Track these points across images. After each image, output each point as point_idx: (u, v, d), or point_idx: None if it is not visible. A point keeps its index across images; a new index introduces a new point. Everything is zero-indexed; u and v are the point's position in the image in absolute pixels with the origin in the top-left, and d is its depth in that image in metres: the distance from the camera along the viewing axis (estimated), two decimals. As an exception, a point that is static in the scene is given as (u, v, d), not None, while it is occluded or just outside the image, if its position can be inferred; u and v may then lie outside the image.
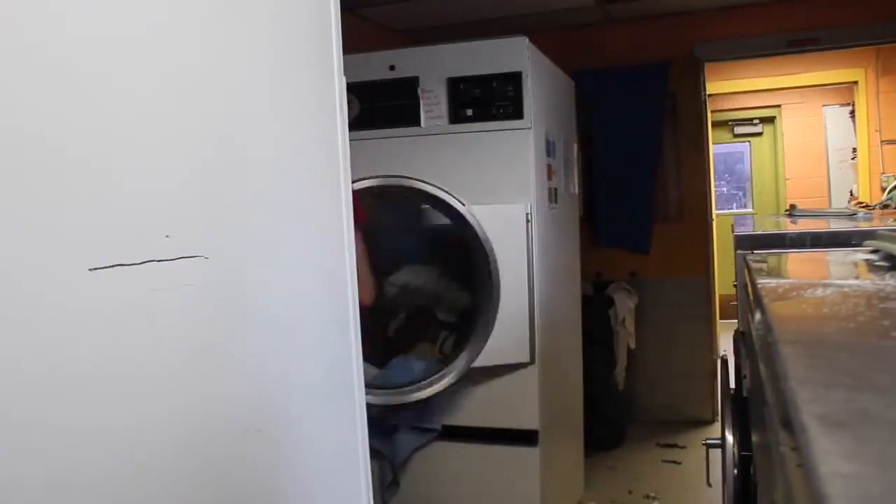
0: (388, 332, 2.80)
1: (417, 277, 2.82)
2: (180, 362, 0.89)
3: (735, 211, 6.63)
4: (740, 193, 7.02)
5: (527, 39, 2.33)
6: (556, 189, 2.65)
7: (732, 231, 1.88)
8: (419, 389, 2.42)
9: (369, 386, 2.44)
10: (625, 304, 3.65)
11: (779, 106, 6.32)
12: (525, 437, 2.41)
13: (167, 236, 0.86)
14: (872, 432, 0.35)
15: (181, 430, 0.89)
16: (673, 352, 3.95)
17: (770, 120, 6.51)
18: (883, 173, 5.09)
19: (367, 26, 3.47)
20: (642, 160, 3.91)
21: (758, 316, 0.77)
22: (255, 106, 1.06)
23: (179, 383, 0.89)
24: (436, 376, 2.42)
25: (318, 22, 1.24)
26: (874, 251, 1.14)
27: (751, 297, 0.98)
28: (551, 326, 2.56)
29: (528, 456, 2.42)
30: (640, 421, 3.92)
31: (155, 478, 0.84)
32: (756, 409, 0.89)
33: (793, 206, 2.76)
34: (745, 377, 1.49)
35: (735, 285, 1.84)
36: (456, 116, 2.37)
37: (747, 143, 6.75)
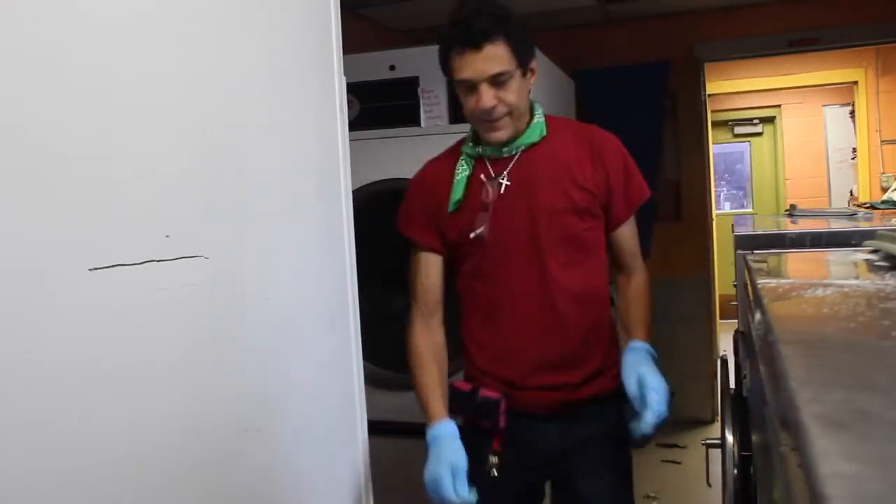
0: (390, 333, 2.80)
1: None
2: (180, 361, 0.89)
3: (735, 211, 6.63)
4: (740, 193, 7.02)
5: (527, 39, 2.33)
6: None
7: (732, 231, 1.88)
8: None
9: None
10: (625, 304, 3.65)
11: (779, 106, 6.32)
12: (525, 437, 2.40)
13: (167, 236, 0.86)
14: (872, 432, 0.35)
15: (180, 429, 0.89)
16: (673, 352, 3.94)
17: (770, 120, 6.51)
18: (883, 173, 5.09)
19: (367, 26, 3.47)
20: (642, 160, 3.89)
21: (758, 316, 0.77)
22: (254, 106, 1.06)
23: (179, 382, 0.89)
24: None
25: (318, 22, 1.24)
26: (874, 251, 1.14)
27: (751, 297, 0.98)
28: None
29: (528, 456, 2.41)
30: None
31: (156, 475, 0.84)
32: (756, 409, 0.89)
33: (793, 207, 2.76)
34: (745, 377, 1.49)
35: (735, 285, 1.84)
36: (456, 116, 2.36)
37: (747, 143, 6.74)
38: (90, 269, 0.75)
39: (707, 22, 3.74)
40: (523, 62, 1.35)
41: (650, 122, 3.87)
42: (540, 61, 2.48)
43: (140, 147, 0.83)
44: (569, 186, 1.39)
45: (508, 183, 1.39)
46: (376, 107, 2.45)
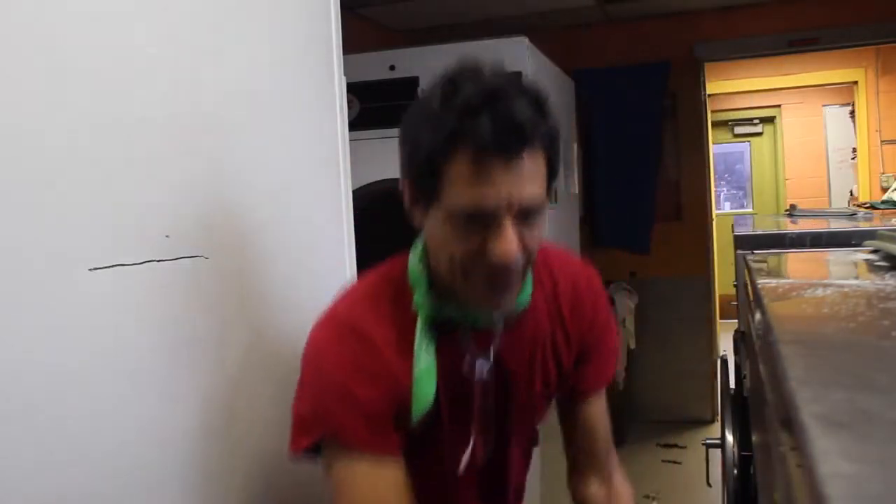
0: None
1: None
2: (179, 361, 0.89)
3: (735, 211, 6.63)
4: (740, 193, 7.02)
5: (527, 39, 2.33)
6: (555, 189, 2.65)
7: (732, 231, 1.88)
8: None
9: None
10: (625, 304, 3.65)
11: (779, 106, 6.32)
12: (525, 437, 2.40)
13: (167, 236, 0.86)
14: (872, 432, 0.35)
15: (180, 429, 0.89)
16: (673, 352, 3.95)
17: (770, 120, 6.51)
18: (883, 173, 5.09)
19: (367, 26, 3.47)
20: (642, 160, 3.90)
21: (758, 316, 0.77)
22: (254, 106, 1.06)
23: (179, 382, 0.89)
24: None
25: (318, 22, 1.24)
26: (874, 251, 1.14)
27: (751, 297, 0.98)
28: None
29: (528, 456, 2.41)
30: (640, 421, 3.92)
31: (156, 475, 0.84)
32: (756, 409, 0.89)
33: (793, 207, 2.76)
34: (745, 377, 1.49)
35: (735, 285, 1.84)
36: (456, 116, 2.37)
37: (747, 143, 6.75)
38: (90, 269, 0.75)
39: (707, 22, 3.75)
40: (550, 184, 0.86)
41: (650, 122, 3.87)
42: (540, 61, 2.49)
43: (140, 147, 0.83)
44: (549, 365, 0.99)
45: (489, 366, 0.92)
46: (376, 107, 2.45)
